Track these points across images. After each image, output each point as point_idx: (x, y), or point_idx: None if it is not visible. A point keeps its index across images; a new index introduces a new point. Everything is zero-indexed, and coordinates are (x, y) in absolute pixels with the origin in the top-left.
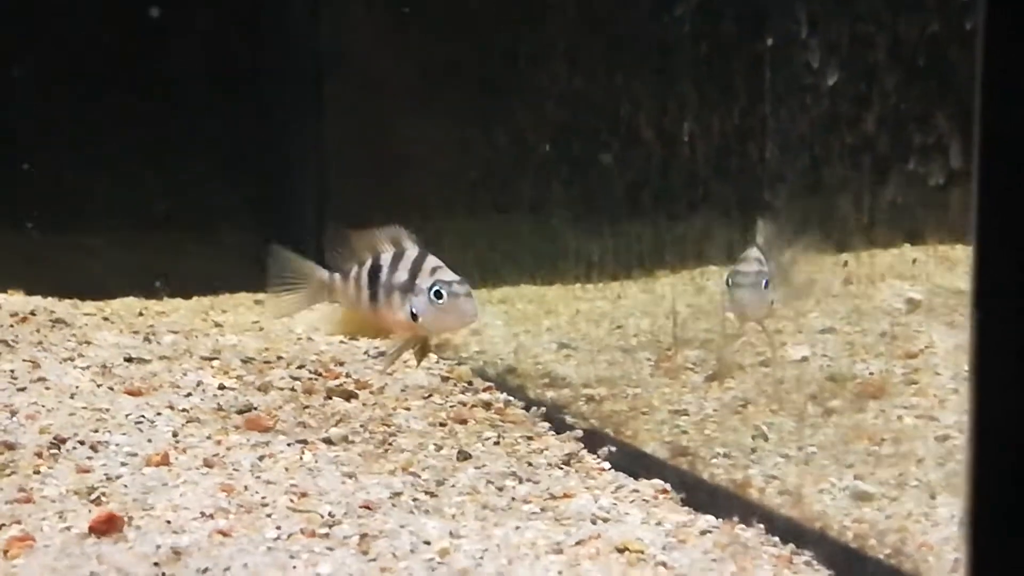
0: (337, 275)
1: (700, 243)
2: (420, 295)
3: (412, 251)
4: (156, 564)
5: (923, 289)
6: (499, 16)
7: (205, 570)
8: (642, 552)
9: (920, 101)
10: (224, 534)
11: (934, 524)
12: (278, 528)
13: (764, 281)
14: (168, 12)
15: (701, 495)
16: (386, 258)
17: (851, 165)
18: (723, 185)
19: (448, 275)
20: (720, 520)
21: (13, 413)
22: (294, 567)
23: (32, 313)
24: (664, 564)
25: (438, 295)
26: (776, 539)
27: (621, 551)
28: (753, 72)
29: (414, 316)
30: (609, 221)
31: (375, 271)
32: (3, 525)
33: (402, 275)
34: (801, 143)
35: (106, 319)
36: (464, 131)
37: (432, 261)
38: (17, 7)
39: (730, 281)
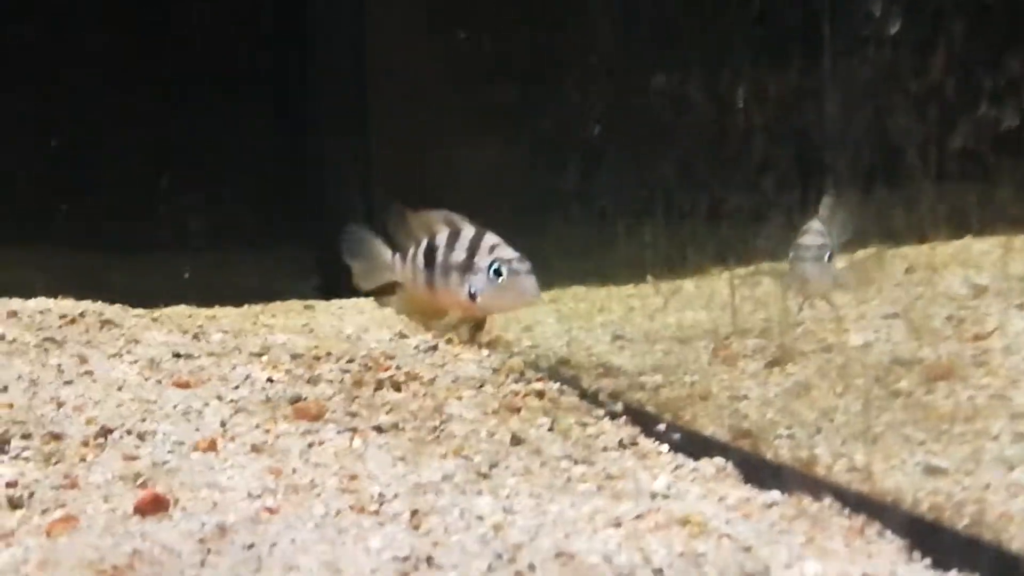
0: (397, 255)
1: (756, 240)
2: (479, 273)
3: (469, 230)
4: (201, 541)
5: (989, 276)
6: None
7: (251, 546)
8: (705, 524)
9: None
10: (271, 511)
11: (1014, 495)
12: (327, 506)
13: (827, 254)
14: (215, 31)
15: (765, 473)
16: (442, 238)
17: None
18: (782, 156)
19: (508, 252)
20: (786, 495)
21: (60, 405)
22: (343, 543)
23: (81, 315)
24: (728, 536)
25: (497, 273)
26: (847, 511)
27: (683, 524)
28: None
29: (472, 296)
30: (663, 219)
31: (431, 251)
32: (47, 509)
33: (460, 254)
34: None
35: (155, 320)
36: (512, 144)
37: (491, 239)
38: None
39: (792, 254)
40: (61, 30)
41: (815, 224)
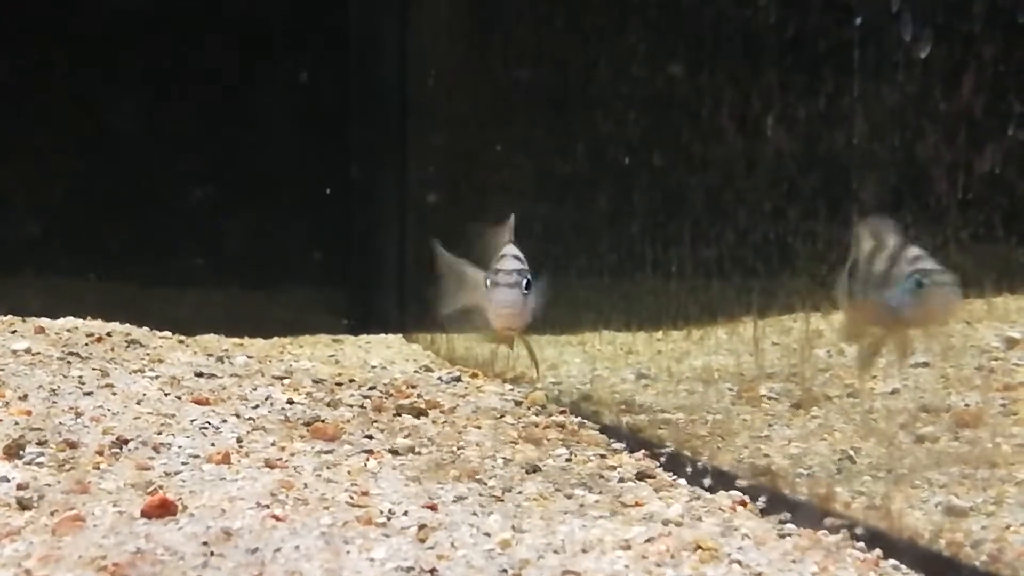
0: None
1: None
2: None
3: (505, 241)
4: (205, 543)
5: (1022, 330)
6: (574, 37)
7: (255, 550)
8: (716, 550)
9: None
10: (278, 519)
11: None
12: (334, 517)
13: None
14: (255, 61)
15: (782, 507)
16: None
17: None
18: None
19: (508, 263)
20: (801, 528)
21: (78, 415)
22: (347, 551)
23: (108, 334)
24: (739, 562)
25: (493, 284)
26: (861, 544)
27: (694, 549)
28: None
29: None
30: (693, 266)
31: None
32: (56, 511)
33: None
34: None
35: (181, 342)
36: (551, 185)
37: (508, 250)
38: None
39: (924, 281)
40: (102, 67)
41: (918, 248)
